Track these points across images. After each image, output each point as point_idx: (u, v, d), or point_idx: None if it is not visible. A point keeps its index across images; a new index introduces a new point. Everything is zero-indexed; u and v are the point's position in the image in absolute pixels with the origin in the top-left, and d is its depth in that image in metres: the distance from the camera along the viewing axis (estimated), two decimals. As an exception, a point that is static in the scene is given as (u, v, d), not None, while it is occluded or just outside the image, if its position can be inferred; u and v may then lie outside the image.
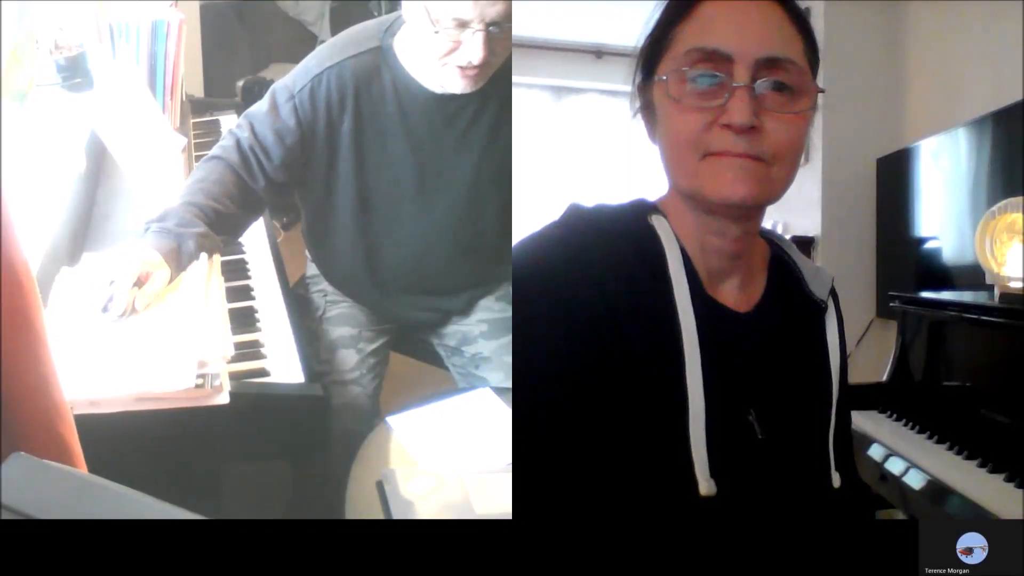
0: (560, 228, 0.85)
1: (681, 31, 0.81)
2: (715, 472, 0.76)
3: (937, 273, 2.36)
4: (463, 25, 1.45)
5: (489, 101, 1.62)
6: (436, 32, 1.46)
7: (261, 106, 1.64)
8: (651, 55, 0.84)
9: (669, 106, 0.80)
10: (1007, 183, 2.01)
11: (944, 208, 2.39)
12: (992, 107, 2.14)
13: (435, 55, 1.50)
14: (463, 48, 1.47)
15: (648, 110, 0.86)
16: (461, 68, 1.50)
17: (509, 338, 1.85)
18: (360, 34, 1.65)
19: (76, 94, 1.99)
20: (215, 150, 1.64)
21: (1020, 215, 1.70)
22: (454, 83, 1.53)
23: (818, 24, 3.09)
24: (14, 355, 0.84)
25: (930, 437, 1.63)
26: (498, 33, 1.46)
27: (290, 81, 1.63)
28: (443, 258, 1.77)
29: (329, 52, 1.64)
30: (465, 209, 1.71)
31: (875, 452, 1.65)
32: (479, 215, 1.73)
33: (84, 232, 1.73)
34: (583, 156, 4.89)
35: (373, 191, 1.68)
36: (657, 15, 0.84)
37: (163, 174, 1.92)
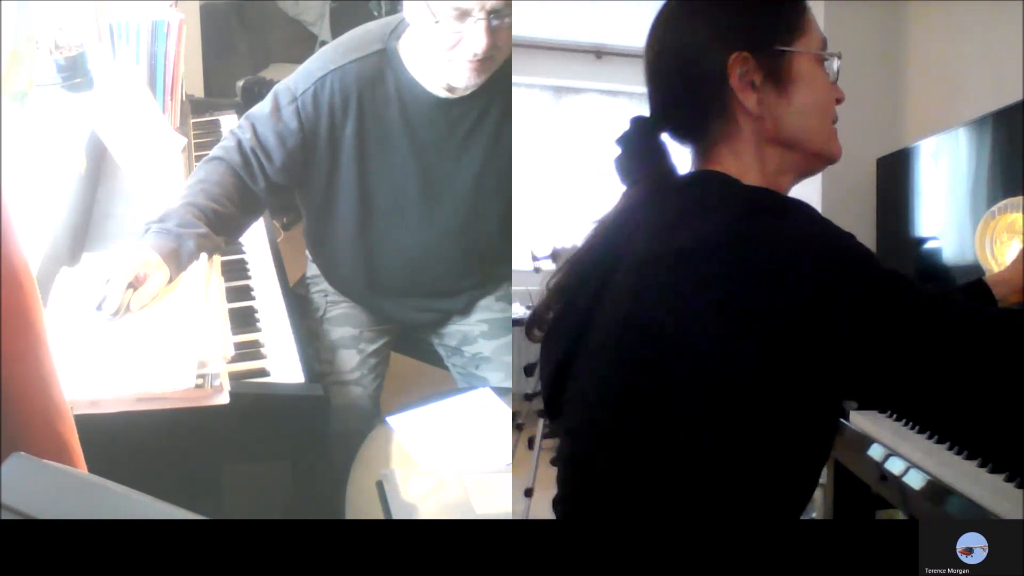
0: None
1: (810, 19, 0.92)
2: None
3: (937, 273, 2.36)
4: (464, 16, 1.46)
5: (492, 106, 1.62)
6: (437, 22, 1.46)
7: (263, 107, 1.63)
8: (778, 30, 0.90)
9: (820, 78, 0.91)
10: (1007, 183, 2.00)
11: (944, 208, 2.39)
12: (992, 107, 2.14)
13: (440, 49, 1.50)
14: (466, 40, 1.48)
15: (772, 77, 0.89)
16: (468, 62, 1.50)
17: (509, 338, 1.85)
18: (364, 37, 1.65)
19: (76, 94, 1.99)
20: (216, 151, 1.64)
21: (1020, 215, 1.70)
22: (460, 77, 1.54)
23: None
24: (14, 355, 0.84)
25: (930, 437, 1.62)
26: (499, 24, 1.47)
27: (293, 83, 1.62)
28: (444, 261, 1.77)
29: (333, 55, 1.63)
30: (467, 213, 1.71)
31: (875, 452, 1.65)
32: (481, 218, 1.73)
33: (84, 232, 1.73)
34: (583, 156, 4.90)
35: (375, 195, 1.68)
36: None
37: (163, 174, 1.92)
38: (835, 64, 0.92)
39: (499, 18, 1.47)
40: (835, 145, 0.93)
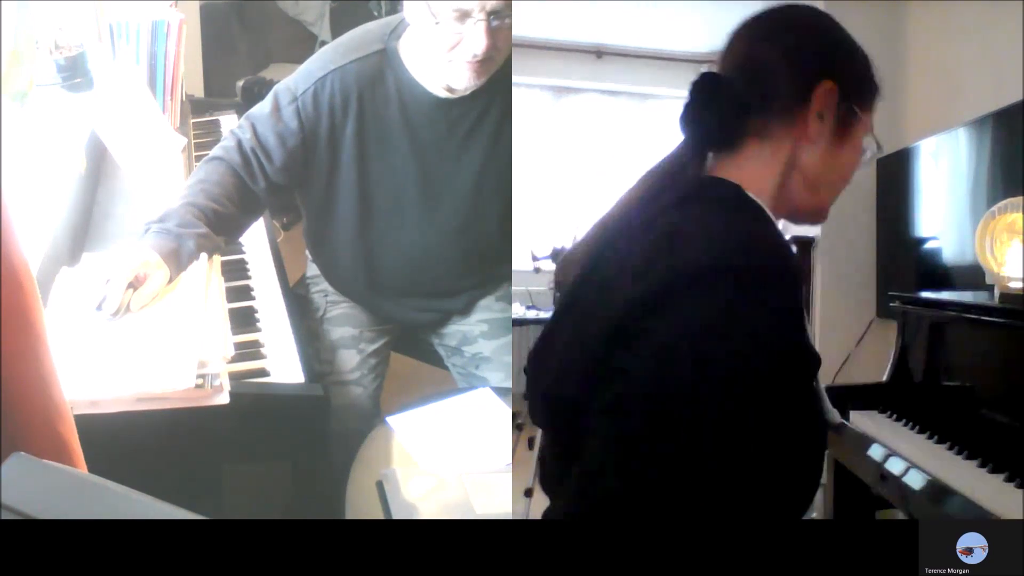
0: (761, 222, 0.88)
1: (864, 113, 0.96)
2: None
3: (937, 273, 2.36)
4: (464, 16, 1.46)
5: (492, 106, 1.62)
6: (437, 23, 1.46)
7: (263, 108, 1.63)
8: (863, 91, 0.96)
9: (857, 152, 0.96)
10: (1007, 183, 2.01)
11: (944, 208, 2.39)
12: (992, 107, 2.14)
13: (440, 50, 1.50)
14: (466, 40, 1.48)
15: (839, 123, 0.93)
16: (468, 63, 1.51)
17: (509, 338, 1.85)
18: (364, 37, 1.65)
19: (76, 94, 1.99)
20: (216, 151, 1.64)
21: (1020, 215, 1.69)
22: (460, 78, 1.54)
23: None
24: (14, 355, 0.84)
25: (930, 437, 1.62)
26: (499, 24, 1.47)
27: (293, 83, 1.62)
28: (444, 261, 1.77)
29: (333, 55, 1.63)
30: (467, 213, 1.71)
31: (875, 452, 1.65)
32: (481, 218, 1.73)
33: (84, 232, 1.73)
34: (583, 156, 4.90)
35: (375, 195, 1.68)
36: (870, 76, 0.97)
37: (163, 174, 1.92)
38: (871, 151, 0.97)
39: (499, 19, 1.47)
40: (823, 214, 0.98)
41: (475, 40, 1.48)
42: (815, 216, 0.97)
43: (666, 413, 0.75)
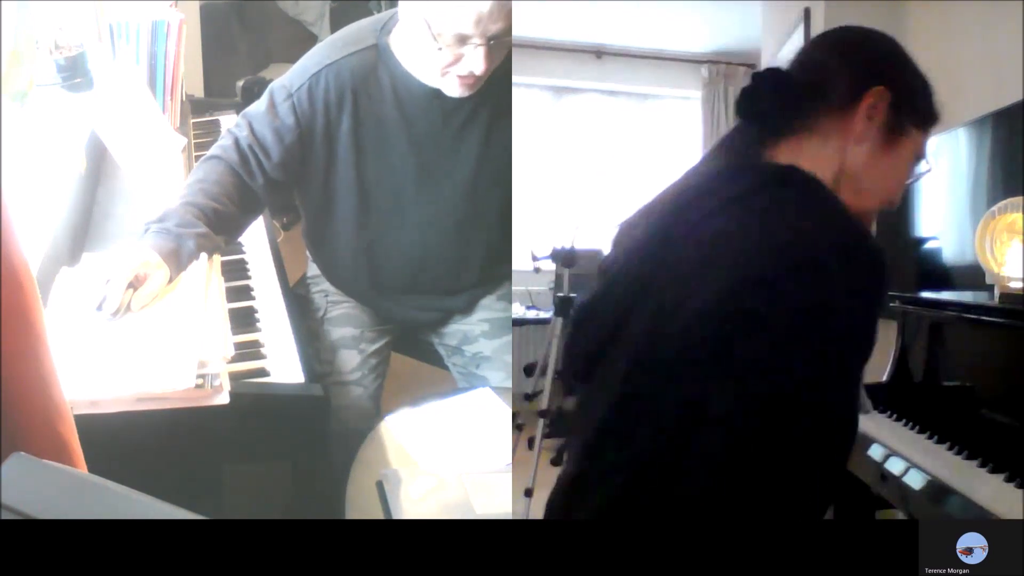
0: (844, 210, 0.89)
1: (917, 131, 1.00)
2: None
3: (937, 273, 2.36)
4: (464, 40, 1.46)
5: (487, 96, 1.62)
6: (440, 49, 1.47)
7: (259, 106, 1.64)
8: (917, 107, 0.99)
9: (907, 165, 0.99)
10: (1007, 183, 2.00)
11: (944, 208, 2.39)
12: (992, 107, 2.14)
13: (437, 67, 1.52)
14: (464, 60, 1.49)
15: (887, 128, 0.96)
16: (461, 77, 1.52)
17: (509, 337, 1.85)
18: (356, 33, 1.66)
19: (76, 94, 1.99)
20: (214, 150, 1.64)
21: (1020, 215, 1.69)
22: (453, 90, 1.55)
23: (818, 24, 3.09)
24: (14, 355, 0.84)
25: (930, 437, 1.62)
26: (496, 45, 1.48)
27: (288, 81, 1.63)
28: (445, 260, 1.77)
29: (326, 51, 1.64)
30: (466, 207, 1.71)
31: (875, 452, 1.65)
32: (480, 213, 1.73)
33: (84, 232, 1.73)
34: (583, 156, 4.90)
35: (373, 189, 1.68)
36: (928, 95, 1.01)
37: (163, 174, 1.92)
38: (921, 168, 1.02)
39: (498, 40, 1.48)
40: (866, 223, 0.97)
41: (474, 62, 1.48)
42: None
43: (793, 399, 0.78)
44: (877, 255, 0.83)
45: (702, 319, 0.81)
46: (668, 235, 0.90)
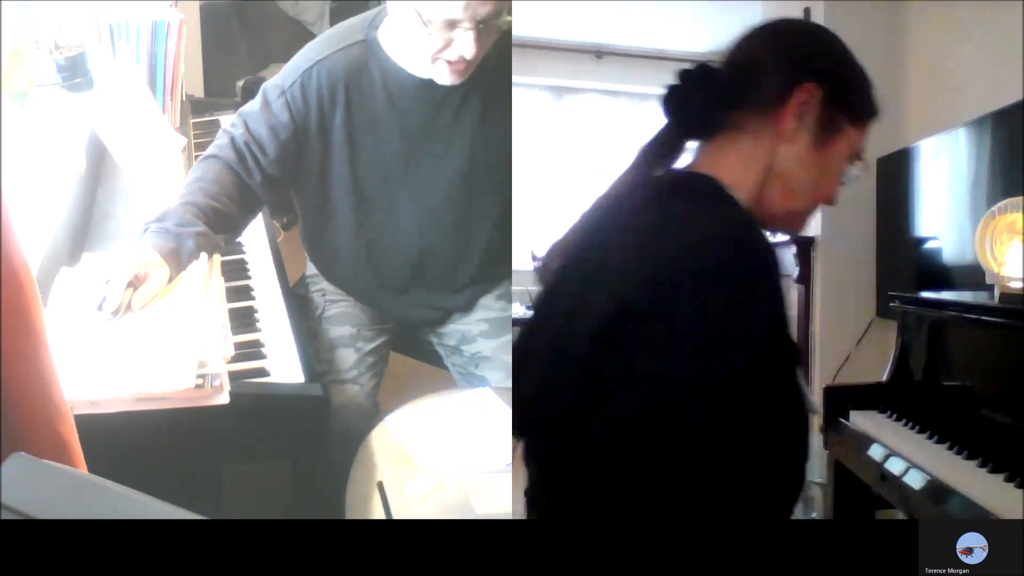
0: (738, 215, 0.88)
1: (853, 128, 0.95)
2: None
3: (937, 273, 2.36)
4: (454, 24, 1.47)
5: (479, 83, 1.63)
6: (429, 35, 1.48)
7: (253, 105, 1.66)
8: (852, 104, 0.94)
9: (839, 164, 0.95)
10: (1007, 183, 2.00)
11: (944, 208, 2.39)
12: (992, 107, 2.14)
13: (427, 53, 1.53)
14: (454, 45, 1.50)
15: (818, 126, 0.92)
16: (450, 63, 1.53)
17: (509, 337, 1.85)
18: (345, 30, 1.68)
19: (76, 94, 1.99)
20: (211, 149, 1.66)
21: (1020, 215, 1.69)
22: (444, 78, 1.56)
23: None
24: (14, 355, 0.84)
25: (930, 437, 1.62)
26: (486, 28, 1.48)
27: (280, 79, 1.65)
28: (444, 258, 1.77)
29: (317, 48, 1.66)
30: (461, 199, 1.71)
31: (875, 452, 1.65)
32: (476, 204, 1.73)
33: (84, 232, 1.73)
34: (583, 156, 4.89)
35: (367, 183, 1.68)
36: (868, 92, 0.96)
37: (163, 174, 1.92)
38: (855, 170, 0.96)
39: (487, 25, 1.49)
40: (797, 223, 0.97)
41: (464, 46, 1.49)
42: (789, 223, 0.96)
43: (686, 411, 0.77)
44: (767, 263, 0.82)
45: (603, 324, 0.82)
46: (581, 253, 0.92)
